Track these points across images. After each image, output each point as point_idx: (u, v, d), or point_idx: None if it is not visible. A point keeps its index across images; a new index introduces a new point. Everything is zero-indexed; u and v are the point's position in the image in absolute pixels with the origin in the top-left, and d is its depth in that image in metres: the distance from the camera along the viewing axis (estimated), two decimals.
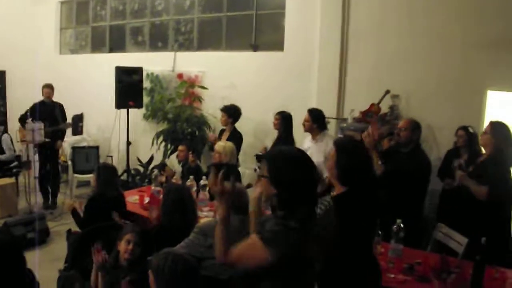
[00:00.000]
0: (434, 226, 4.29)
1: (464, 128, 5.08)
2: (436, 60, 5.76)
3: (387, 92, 5.83)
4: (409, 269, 3.14)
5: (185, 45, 8.13)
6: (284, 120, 5.84)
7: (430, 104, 5.72)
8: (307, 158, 2.19)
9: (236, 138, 5.93)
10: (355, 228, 2.60)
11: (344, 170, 2.66)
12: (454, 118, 5.42)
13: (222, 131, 6.31)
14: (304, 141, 5.40)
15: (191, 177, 4.88)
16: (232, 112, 6.11)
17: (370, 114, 5.64)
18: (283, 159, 2.12)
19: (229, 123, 6.10)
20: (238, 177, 4.63)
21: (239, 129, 6.19)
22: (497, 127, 3.99)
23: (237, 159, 5.97)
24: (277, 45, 7.03)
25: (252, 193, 2.25)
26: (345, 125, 5.97)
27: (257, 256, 2.03)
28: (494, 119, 4.21)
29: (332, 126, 6.08)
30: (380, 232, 3.38)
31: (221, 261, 2.13)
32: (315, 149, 5.00)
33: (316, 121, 5.21)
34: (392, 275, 3.06)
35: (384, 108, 5.84)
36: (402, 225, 3.34)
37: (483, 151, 4.26)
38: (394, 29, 6.00)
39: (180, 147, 5.96)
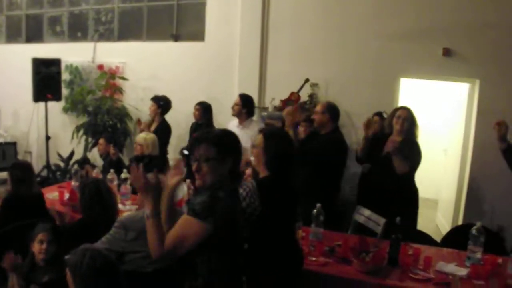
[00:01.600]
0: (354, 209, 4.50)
1: (379, 114, 5.35)
2: (352, 50, 6.01)
3: (307, 80, 6.03)
4: (330, 251, 3.28)
5: (105, 36, 7.93)
6: (204, 110, 5.91)
7: (348, 91, 5.97)
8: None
9: (165, 129, 5.90)
10: (276, 211, 2.72)
11: (272, 156, 2.77)
12: (370, 104, 5.69)
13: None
14: (228, 125, 5.44)
15: (112, 170, 4.80)
16: (162, 103, 6.05)
17: (290, 103, 5.79)
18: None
19: (158, 114, 6.03)
20: (164, 169, 4.62)
21: None
22: (410, 112, 4.36)
23: (166, 151, 5.96)
24: (199, 35, 7.03)
25: (168, 182, 2.27)
26: (266, 113, 6.10)
27: (193, 232, 2.08)
28: (404, 104, 4.54)
29: (254, 115, 6.18)
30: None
31: (158, 255, 2.12)
32: (241, 134, 5.06)
33: (246, 105, 5.31)
34: (314, 258, 3.18)
35: (304, 96, 6.04)
36: (322, 209, 3.48)
37: None
38: (313, 19, 6.19)
39: (100, 141, 5.82)
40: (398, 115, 4.39)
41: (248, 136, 5.02)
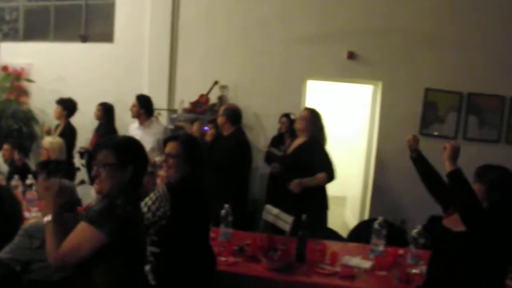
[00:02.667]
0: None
1: (287, 115, 5.46)
2: (261, 52, 6.10)
3: (216, 82, 6.03)
4: (239, 251, 3.29)
5: (10, 35, 7.47)
6: (105, 111, 5.79)
7: (256, 93, 6.05)
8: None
9: (69, 132, 5.67)
10: (187, 214, 2.69)
11: (185, 160, 2.73)
12: (278, 106, 5.80)
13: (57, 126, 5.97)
14: (129, 128, 5.36)
15: (16, 176, 4.56)
16: (67, 105, 5.77)
17: (199, 105, 5.77)
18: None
19: (63, 117, 5.77)
20: (70, 173, 4.44)
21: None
22: (313, 113, 4.36)
23: (72, 155, 5.72)
24: (107, 36, 6.83)
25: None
26: (175, 116, 6.04)
27: (88, 240, 2.01)
28: (310, 105, 4.62)
29: (163, 118, 6.11)
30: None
31: (53, 261, 2.06)
32: (142, 135, 4.98)
33: (144, 106, 5.21)
34: (224, 258, 3.16)
35: (214, 98, 6.04)
36: (230, 209, 3.47)
37: None
38: (222, 22, 6.22)
39: (4, 146, 5.51)
40: (299, 116, 4.43)
41: (150, 136, 5.00)
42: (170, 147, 2.79)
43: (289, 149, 4.42)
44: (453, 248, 2.46)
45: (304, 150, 4.21)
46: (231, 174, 4.28)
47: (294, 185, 4.05)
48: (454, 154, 2.43)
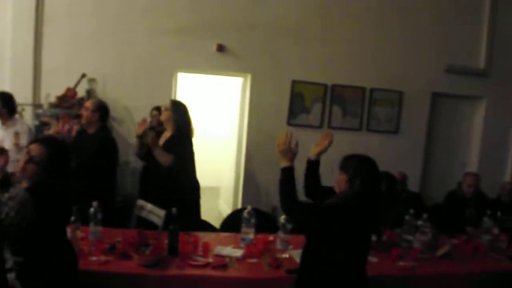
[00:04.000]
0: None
1: (158, 109, 5.41)
2: (129, 44, 5.96)
3: (83, 76, 5.80)
4: (110, 249, 3.21)
5: None
6: None
7: (126, 86, 5.91)
8: None
9: None
10: (52, 219, 2.57)
11: (46, 164, 2.58)
12: (148, 99, 5.74)
13: None
14: None
15: None
16: None
17: (66, 99, 5.52)
18: None
19: None
20: None
21: None
22: (177, 105, 4.40)
23: None
24: None
25: None
26: (41, 111, 5.71)
27: None
28: (176, 98, 4.64)
29: (28, 113, 5.75)
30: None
31: None
32: (5, 134, 4.71)
33: (5, 105, 4.86)
34: (95, 258, 3.07)
35: (81, 92, 5.80)
36: (99, 207, 3.38)
37: None
38: (89, 12, 5.95)
39: None
40: (163, 108, 4.43)
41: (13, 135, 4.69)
42: (35, 150, 2.62)
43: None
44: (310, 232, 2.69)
45: (172, 143, 4.24)
46: (98, 171, 4.16)
47: (151, 137, 4.12)
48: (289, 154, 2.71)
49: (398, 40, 6.55)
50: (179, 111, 4.34)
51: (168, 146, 4.22)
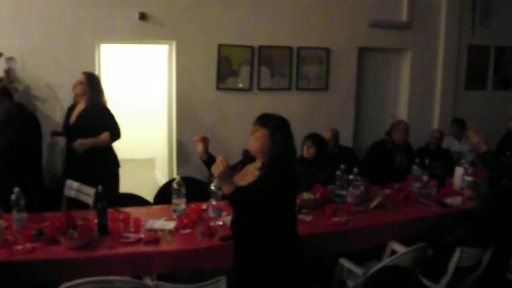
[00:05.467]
0: None
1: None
2: (47, 18, 5.62)
3: (0, 54, 5.49)
4: (37, 235, 3.10)
5: None
6: None
7: (47, 63, 5.62)
8: None
9: None
10: None
11: None
12: (71, 74, 5.42)
13: None
14: None
15: None
16: None
17: None
18: None
19: None
20: None
21: None
22: (91, 77, 4.41)
23: None
24: None
25: None
26: None
27: None
28: (100, 71, 4.52)
29: None
30: None
31: None
32: None
33: None
34: (20, 247, 2.94)
35: (0, 72, 5.51)
36: (21, 192, 3.25)
37: None
38: None
39: None
40: (76, 81, 4.45)
41: None
42: None
43: (72, 117, 4.34)
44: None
45: (85, 117, 4.24)
46: (20, 153, 3.99)
47: (77, 144, 4.20)
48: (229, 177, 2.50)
49: None
50: (93, 84, 4.32)
51: (81, 119, 4.25)
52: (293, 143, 2.71)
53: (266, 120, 2.68)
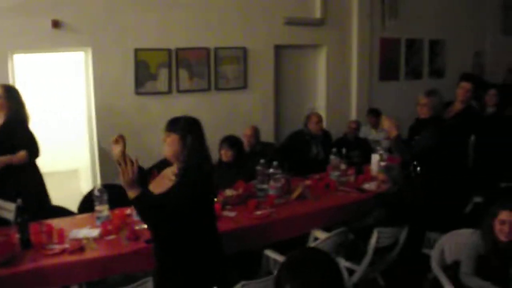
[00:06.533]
0: None
1: None
2: None
3: None
4: None
5: None
6: None
7: None
8: None
9: None
10: None
11: None
12: None
13: None
14: None
15: None
16: None
17: None
18: None
19: None
20: None
21: None
22: (9, 90, 4.24)
23: None
24: None
25: None
26: None
27: None
28: (14, 82, 4.39)
29: None
30: None
31: None
32: None
33: None
34: None
35: None
36: None
37: None
38: None
39: None
40: None
41: None
42: None
43: None
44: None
45: (3, 132, 4.07)
46: None
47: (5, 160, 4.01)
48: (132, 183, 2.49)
49: None
50: (13, 96, 4.16)
51: (1, 135, 4.07)
52: (205, 141, 2.76)
53: (175, 125, 2.72)
